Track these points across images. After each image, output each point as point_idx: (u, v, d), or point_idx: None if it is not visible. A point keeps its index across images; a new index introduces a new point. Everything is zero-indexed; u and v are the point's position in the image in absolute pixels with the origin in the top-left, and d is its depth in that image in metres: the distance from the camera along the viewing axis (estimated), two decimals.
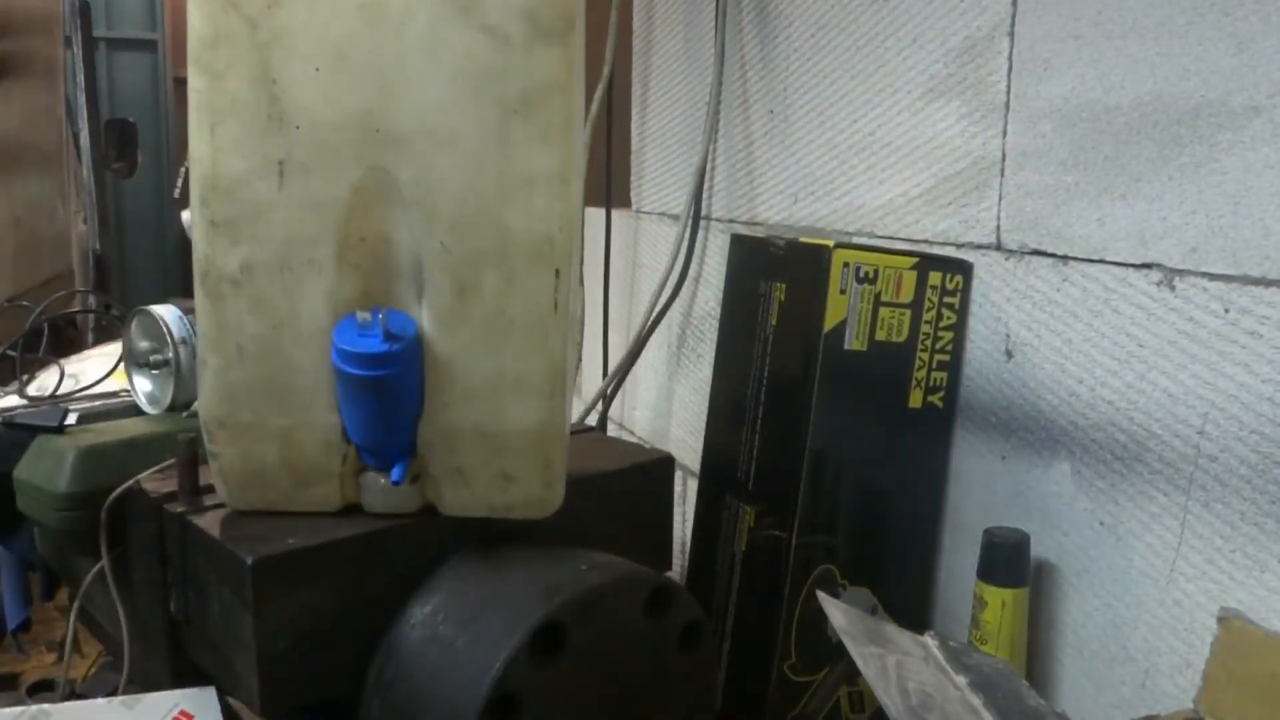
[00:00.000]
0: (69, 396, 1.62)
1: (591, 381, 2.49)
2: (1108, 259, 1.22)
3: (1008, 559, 1.28)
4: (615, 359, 2.26)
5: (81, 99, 2.91)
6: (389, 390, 1.08)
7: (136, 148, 3.18)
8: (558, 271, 1.10)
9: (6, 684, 2.14)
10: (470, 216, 1.08)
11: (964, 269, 1.41)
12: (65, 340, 2.46)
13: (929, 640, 1.17)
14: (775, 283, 1.47)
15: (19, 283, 3.45)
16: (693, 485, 1.83)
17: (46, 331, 1.75)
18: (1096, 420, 1.24)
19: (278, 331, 1.10)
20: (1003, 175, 1.35)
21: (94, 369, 1.73)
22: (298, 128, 1.05)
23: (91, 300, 2.77)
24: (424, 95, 1.05)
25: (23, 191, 3.70)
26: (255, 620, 1.05)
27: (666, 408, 2.25)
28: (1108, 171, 1.21)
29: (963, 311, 1.43)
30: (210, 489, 1.20)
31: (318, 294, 1.09)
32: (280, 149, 1.05)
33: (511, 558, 1.18)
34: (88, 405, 1.51)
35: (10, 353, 1.65)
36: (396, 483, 1.12)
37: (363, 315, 1.07)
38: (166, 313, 1.49)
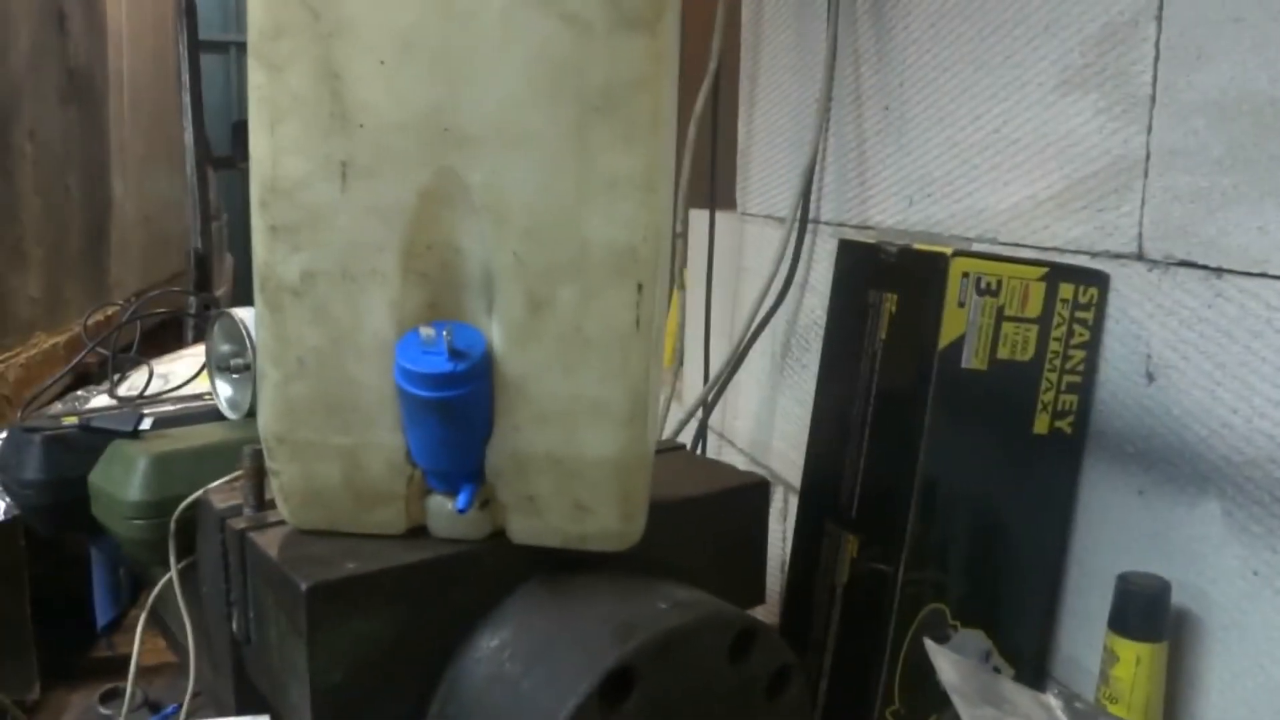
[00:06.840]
0: (156, 398, 1.61)
1: (692, 388, 2.42)
2: (1270, 273, 1.09)
3: (1144, 609, 1.16)
4: (716, 365, 2.19)
5: (186, 99, 2.99)
6: (454, 412, 1.01)
7: None
8: (640, 285, 1.01)
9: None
10: (545, 224, 1.00)
11: (1099, 281, 1.30)
12: (171, 339, 2.50)
13: (1052, 700, 1.08)
14: (885, 293, 1.38)
15: (147, 278, 3.57)
16: (794, 501, 1.75)
17: (138, 331, 1.75)
18: (1253, 455, 1.11)
19: (339, 344, 1.04)
20: (1146, 176, 1.23)
21: (185, 369, 1.72)
22: (361, 126, 0.99)
23: (191, 300, 2.82)
24: (497, 91, 0.98)
25: (152, 190, 3.84)
26: (309, 649, 1.00)
27: (769, 419, 2.17)
28: (1273, 172, 1.08)
29: (1097, 328, 1.32)
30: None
31: (381, 305, 1.03)
32: (343, 149, 0.99)
33: (584, 591, 1.11)
34: (165, 409, 1.50)
35: (100, 350, 1.65)
36: (462, 510, 1.05)
37: (426, 331, 1.00)
38: (248, 315, 1.46)
